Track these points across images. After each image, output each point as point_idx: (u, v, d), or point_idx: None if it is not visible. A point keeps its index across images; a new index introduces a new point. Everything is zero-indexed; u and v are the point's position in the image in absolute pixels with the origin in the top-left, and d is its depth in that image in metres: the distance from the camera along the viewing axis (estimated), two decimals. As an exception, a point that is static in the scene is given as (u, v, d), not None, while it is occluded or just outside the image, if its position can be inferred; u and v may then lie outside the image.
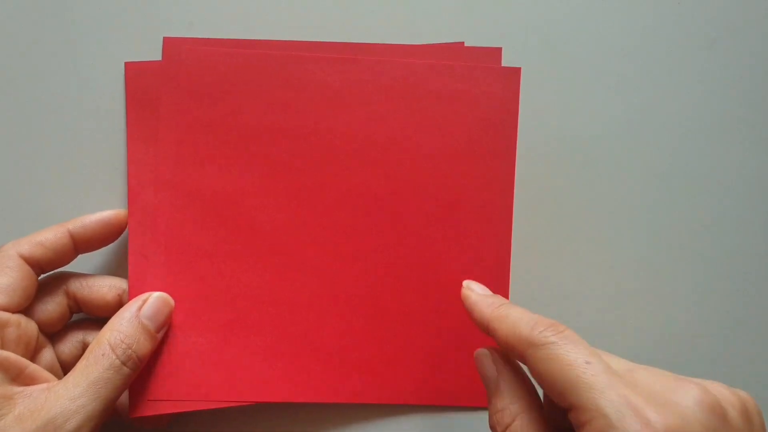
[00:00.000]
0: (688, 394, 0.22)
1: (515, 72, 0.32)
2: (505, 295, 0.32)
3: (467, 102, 0.32)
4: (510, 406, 0.26)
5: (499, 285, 0.32)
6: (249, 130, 0.31)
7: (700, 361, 0.34)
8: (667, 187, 0.35)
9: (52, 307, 0.30)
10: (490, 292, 0.30)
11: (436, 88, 0.31)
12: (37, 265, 0.29)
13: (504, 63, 0.34)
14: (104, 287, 0.31)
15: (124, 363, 0.28)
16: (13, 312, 0.28)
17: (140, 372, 0.29)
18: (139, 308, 0.29)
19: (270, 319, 0.31)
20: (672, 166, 0.35)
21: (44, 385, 0.27)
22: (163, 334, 0.30)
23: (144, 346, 0.29)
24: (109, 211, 0.31)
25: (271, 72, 0.31)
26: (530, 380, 0.27)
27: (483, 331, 0.28)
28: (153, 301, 0.30)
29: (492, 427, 0.26)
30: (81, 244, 0.31)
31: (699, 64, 0.36)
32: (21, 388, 0.26)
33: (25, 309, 0.30)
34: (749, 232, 0.35)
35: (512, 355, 0.27)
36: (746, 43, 0.36)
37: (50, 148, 0.35)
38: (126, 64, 0.32)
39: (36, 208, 0.34)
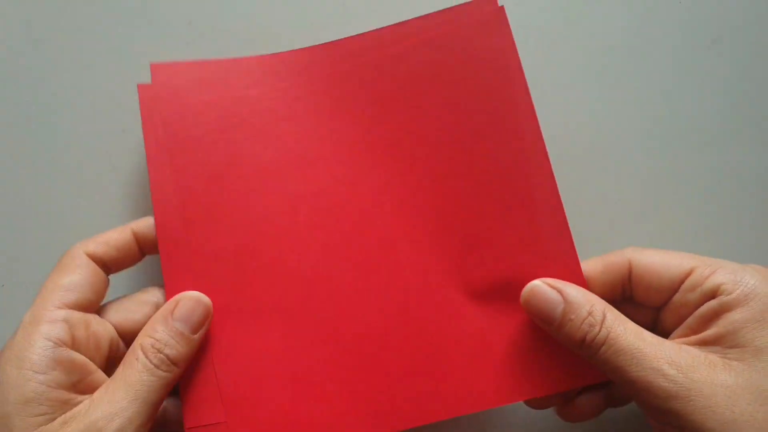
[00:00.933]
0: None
1: (497, 10, 0.30)
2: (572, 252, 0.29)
3: (458, 54, 0.29)
4: (594, 306, 0.26)
5: (563, 245, 0.29)
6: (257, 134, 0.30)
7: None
8: (667, 187, 0.35)
9: (138, 316, 0.30)
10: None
11: (424, 56, 0.30)
12: (102, 263, 0.29)
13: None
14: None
15: (157, 366, 0.27)
16: (85, 311, 0.28)
17: (194, 380, 0.28)
18: (171, 311, 0.29)
19: (328, 334, 0.29)
20: (672, 166, 0.35)
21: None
22: (202, 334, 0.29)
23: (177, 349, 0.28)
24: None
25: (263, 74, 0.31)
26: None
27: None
28: (185, 302, 0.29)
29: (581, 338, 0.26)
30: (145, 244, 0.30)
31: (699, 64, 0.36)
32: (80, 397, 0.26)
33: (104, 311, 0.29)
34: (749, 232, 0.35)
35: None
36: (746, 43, 0.36)
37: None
38: (139, 87, 0.31)
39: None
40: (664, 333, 0.28)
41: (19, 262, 0.34)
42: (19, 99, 0.35)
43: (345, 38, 0.31)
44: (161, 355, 0.27)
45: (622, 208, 0.35)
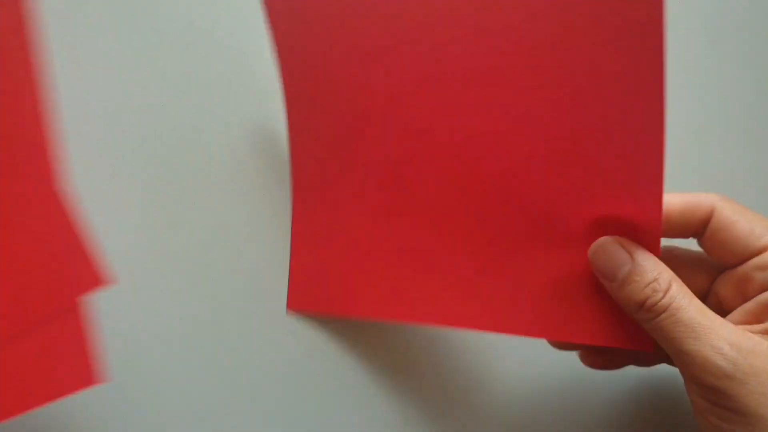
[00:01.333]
0: None
1: None
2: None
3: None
4: (662, 273, 0.25)
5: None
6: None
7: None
8: (667, 187, 0.35)
9: None
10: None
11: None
12: None
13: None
14: None
15: None
16: None
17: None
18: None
19: (401, 237, 0.28)
20: (671, 166, 0.35)
21: None
22: None
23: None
24: None
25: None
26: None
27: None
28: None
29: (641, 301, 0.25)
30: None
31: (699, 64, 0.36)
32: None
33: None
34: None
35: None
36: (746, 43, 0.36)
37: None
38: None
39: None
40: (717, 304, 0.27)
41: (19, 262, 0.34)
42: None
43: None
44: None
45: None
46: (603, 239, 0.26)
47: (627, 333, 0.27)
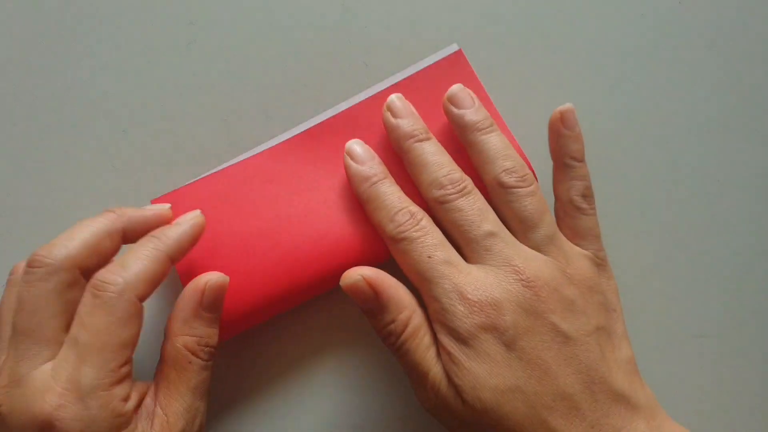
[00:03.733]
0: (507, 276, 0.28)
1: (457, 54, 0.33)
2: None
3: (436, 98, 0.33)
4: (398, 317, 0.28)
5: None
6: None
7: (700, 360, 0.33)
8: (667, 187, 0.35)
9: None
10: (370, 155, 0.31)
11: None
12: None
13: (500, 62, 0.34)
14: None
15: (208, 360, 0.28)
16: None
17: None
18: (200, 302, 0.28)
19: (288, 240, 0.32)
20: (671, 166, 0.35)
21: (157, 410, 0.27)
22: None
23: (215, 333, 0.29)
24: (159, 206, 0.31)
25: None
26: (404, 286, 0.29)
27: None
28: (210, 291, 0.29)
29: (386, 339, 0.28)
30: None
31: (699, 64, 0.36)
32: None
33: None
34: (749, 231, 0.35)
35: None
36: (746, 43, 0.36)
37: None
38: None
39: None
40: None
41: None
42: (18, 99, 0.35)
43: (340, 113, 0.33)
44: (208, 349, 0.28)
45: (622, 208, 0.35)
46: (350, 279, 0.28)
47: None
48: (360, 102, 0.33)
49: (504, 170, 0.29)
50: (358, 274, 0.28)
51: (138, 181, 0.35)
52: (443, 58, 0.34)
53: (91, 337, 0.25)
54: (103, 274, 0.26)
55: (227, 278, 0.29)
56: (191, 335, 0.28)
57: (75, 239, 0.27)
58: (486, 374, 0.26)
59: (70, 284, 0.26)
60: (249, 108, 0.35)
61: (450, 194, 0.29)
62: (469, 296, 0.27)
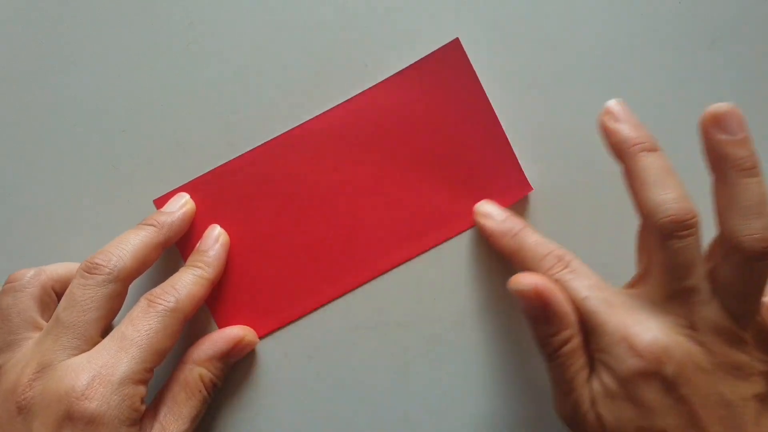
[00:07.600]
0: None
1: (454, 43, 0.34)
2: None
3: (430, 92, 0.34)
4: (560, 333, 0.27)
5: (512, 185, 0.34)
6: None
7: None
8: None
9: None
10: (504, 214, 0.32)
11: (404, 101, 0.34)
12: None
13: (501, 63, 0.34)
14: None
15: (209, 396, 0.31)
16: None
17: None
18: (229, 352, 0.31)
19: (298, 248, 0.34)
20: (672, 167, 0.35)
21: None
22: None
23: (225, 377, 0.32)
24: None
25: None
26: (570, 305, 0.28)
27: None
28: (243, 347, 0.32)
29: (541, 345, 0.28)
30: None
31: (699, 64, 0.36)
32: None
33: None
34: (750, 232, 0.34)
35: None
36: (746, 43, 0.36)
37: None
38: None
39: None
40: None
41: (18, 263, 0.34)
42: (19, 99, 0.35)
43: (338, 105, 0.34)
44: (215, 387, 0.32)
45: (622, 208, 0.35)
46: (521, 283, 0.28)
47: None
48: (358, 94, 0.34)
49: (751, 235, 0.26)
50: (531, 282, 0.28)
51: (138, 181, 0.35)
52: (440, 48, 0.34)
53: (137, 335, 0.28)
54: (159, 292, 0.29)
55: (258, 340, 0.33)
56: (210, 371, 0.31)
57: (127, 251, 0.29)
58: (636, 416, 0.26)
59: (120, 293, 0.29)
60: (249, 108, 0.35)
61: (677, 232, 0.27)
62: (636, 341, 0.26)
